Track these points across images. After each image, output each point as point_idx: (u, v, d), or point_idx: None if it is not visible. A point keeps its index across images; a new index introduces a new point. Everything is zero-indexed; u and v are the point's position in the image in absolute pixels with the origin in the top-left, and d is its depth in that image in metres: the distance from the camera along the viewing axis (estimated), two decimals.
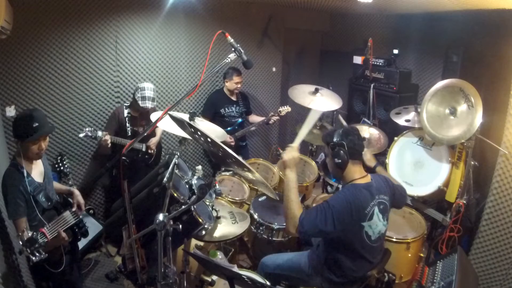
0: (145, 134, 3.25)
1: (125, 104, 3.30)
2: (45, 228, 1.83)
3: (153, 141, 3.41)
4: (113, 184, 3.44)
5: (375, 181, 2.03)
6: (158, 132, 3.50)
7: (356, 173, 1.99)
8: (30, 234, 1.75)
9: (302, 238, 1.93)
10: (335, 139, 1.97)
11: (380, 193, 1.99)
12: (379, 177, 2.11)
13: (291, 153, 2.01)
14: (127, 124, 3.23)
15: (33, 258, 1.72)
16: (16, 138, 1.97)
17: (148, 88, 3.13)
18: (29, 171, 2.01)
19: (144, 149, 3.34)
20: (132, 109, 3.27)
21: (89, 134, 2.96)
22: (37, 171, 2.09)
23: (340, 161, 1.96)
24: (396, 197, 2.12)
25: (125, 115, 3.24)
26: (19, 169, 1.96)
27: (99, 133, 2.99)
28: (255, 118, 4.08)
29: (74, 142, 3.39)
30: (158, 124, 2.09)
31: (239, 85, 3.79)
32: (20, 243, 1.72)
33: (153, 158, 3.44)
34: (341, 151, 1.94)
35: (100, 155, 3.46)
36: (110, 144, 3.05)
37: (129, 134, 3.23)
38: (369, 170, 2.13)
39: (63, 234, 1.90)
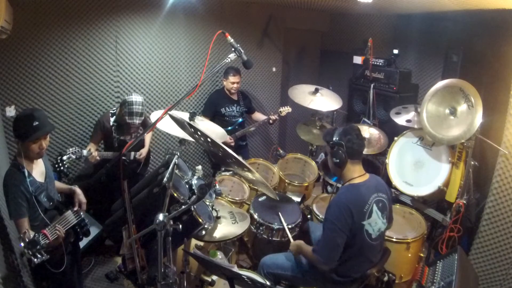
0: (145, 134, 3.25)
1: (111, 111, 3.11)
2: (46, 229, 1.83)
3: (143, 153, 3.25)
4: (99, 188, 3.25)
5: (373, 180, 2.04)
6: (147, 142, 3.37)
7: (355, 172, 2.01)
8: (31, 236, 1.74)
9: (331, 265, 2.00)
10: (334, 139, 2.00)
11: (378, 191, 2.01)
12: (378, 177, 2.12)
13: (294, 246, 2.24)
14: (114, 134, 3.06)
15: (35, 260, 1.72)
16: (17, 138, 1.96)
17: (137, 103, 2.91)
18: (30, 171, 2.01)
19: (132, 158, 3.21)
20: (118, 118, 3.07)
21: (73, 156, 2.83)
22: (38, 171, 2.09)
23: (338, 160, 1.99)
24: (389, 199, 2.12)
25: (111, 123, 3.06)
26: (20, 169, 1.95)
27: (84, 152, 2.87)
28: (258, 116, 4.08)
29: (74, 142, 3.38)
30: (157, 125, 2.09)
31: (235, 85, 3.77)
32: (22, 245, 1.71)
33: (141, 166, 3.35)
34: (340, 151, 1.97)
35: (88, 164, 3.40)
36: (98, 159, 2.95)
37: (116, 145, 3.08)
38: (370, 169, 2.14)
39: (63, 233, 1.90)
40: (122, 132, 3.12)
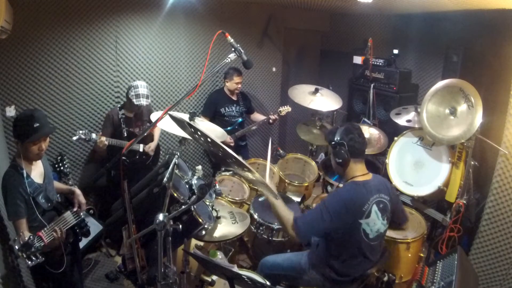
0: (145, 134, 3.27)
1: (118, 106, 3.26)
2: (42, 231, 1.83)
3: (152, 146, 3.36)
4: (111, 186, 3.40)
5: (375, 180, 2.04)
6: (156, 136, 3.46)
7: (358, 171, 2.02)
8: (26, 239, 1.74)
9: (302, 241, 2.02)
10: (336, 138, 2.00)
11: (379, 192, 2.00)
12: (381, 177, 2.12)
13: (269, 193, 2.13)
14: (123, 125, 3.17)
15: (29, 262, 1.71)
16: (17, 139, 1.95)
17: (142, 86, 3.07)
18: (28, 172, 2.00)
19: (141, 150, 3.30)
20: (126, 110, 3.22)
21: (83, 136, 2.89)
22: (37, 172, 2.09)
23: (341, 160, 1.99)
24: (393, 200, 2.11)
25: (120, 116, 3.18)
26: (19, 170, 1.95)
27: (93, 136, 2.93)
28: (257, 116, 4.08)
29: (74, 142, 3.37)
30: (158, 125, 2.09)
31: (239, 85, 3.80)
32: (16, 247, 1.71)
33: (151, 159, 3.42)
34: (342, 150, 1.97)
35: (97, 156, 3.45)
36: (106, 146, 3.01)
37: (125, 135, 3.18)
38: (370, 169, 2.14)
39: (59, 234, 1.90)
40: (130, 124, 3.24)
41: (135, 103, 3.03)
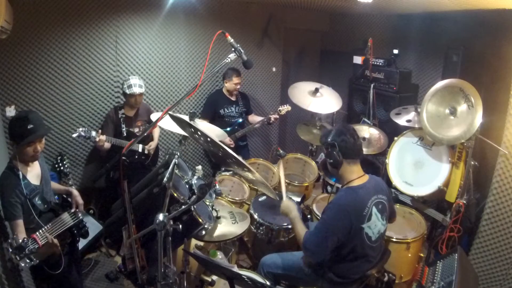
0: (145, 134, 3.28)
1: (118, 105, 3.29)
2: (37, 234, 1.82)
3: (152, 145, 3.39)
4: (109, 187, 3.38)
5: (373, 181, 2.03)
6: (156, 136, 3.48)
7: (353, 173, 2.00)
8: (20, 241, 1.73)
9: (316, 262, 2.01)
10: (328, 139, 2.00)
11: (377, 193, 2.00)
12: (376, 177, 2.11)
13: (284, 206, 2.24)
14: (122, 125, 3.20)
15: (23, 264, 1.70)
16: (12, 141, 1.94)
17: (133, 77, 3.18)
18: (25, 174, 1.99)
19: (140, 150, 3.31)
20: (125, 109, 3.25)
21: (82, 134, 2.91)
22: (33, 173, 2.07)
23: (332, 161, 1.99)
24: (389, 199, 2.11)
25: (119, 116, 3.21)
26: (15, 172, 1.94)
27: (93, 133, 2.95)
28: (255, 118, 4.08)
29: (74, 142, 3.39)
30: (158, 123, 2.09)
31: (238, 86, 3.79)
32: (10, 250, 1.70)
33: (150, 159, 3.42)
34: (334, 151, 1.97)
35: (98, 153, 3.45)
36: (104, 144, 3.01)
37: (124, 135, 3.19)
38: (370, 169, 2.14)
39: (55, 241, 1.88)
40: (130, 124, 3.26)
41: (128, 92, 3.10)
